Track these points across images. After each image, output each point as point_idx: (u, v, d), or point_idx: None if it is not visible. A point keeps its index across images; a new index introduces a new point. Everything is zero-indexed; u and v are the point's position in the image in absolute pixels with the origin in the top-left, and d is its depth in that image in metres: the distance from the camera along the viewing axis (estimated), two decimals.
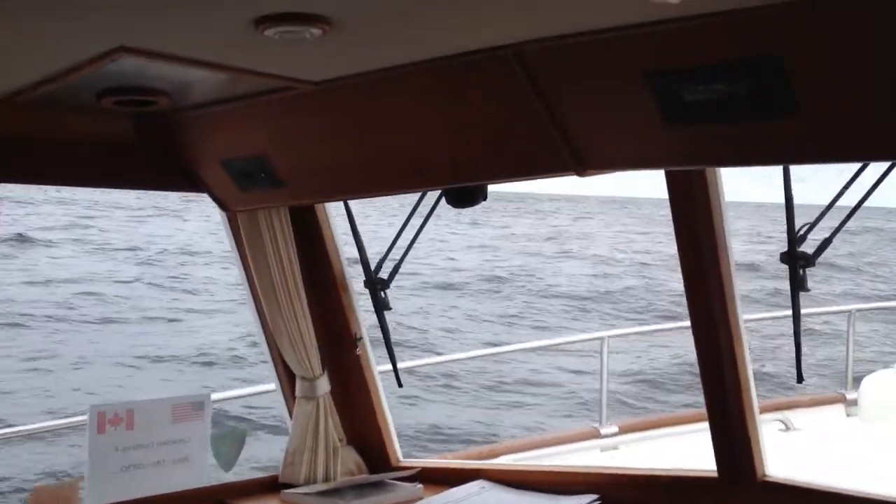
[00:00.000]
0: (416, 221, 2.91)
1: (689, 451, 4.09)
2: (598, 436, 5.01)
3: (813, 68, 1.52)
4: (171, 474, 2.93)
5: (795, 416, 4.23)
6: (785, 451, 3.64)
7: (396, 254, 3.03)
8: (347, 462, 3.13)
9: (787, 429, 4.05)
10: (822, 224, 2.31)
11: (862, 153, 1.67)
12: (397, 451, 3.19)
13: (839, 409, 5.74)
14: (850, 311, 6.22)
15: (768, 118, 1.62)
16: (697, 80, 1.64)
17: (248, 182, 2.58)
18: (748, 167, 1.84)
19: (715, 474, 2.53)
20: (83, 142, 2.53)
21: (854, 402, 5.63)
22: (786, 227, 2.29)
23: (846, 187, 2.24)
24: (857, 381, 5.59)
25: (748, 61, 1.56)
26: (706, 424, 4.70)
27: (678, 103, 1.69)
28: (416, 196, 2.83)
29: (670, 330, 6.43)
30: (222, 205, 2.79)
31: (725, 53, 1.59)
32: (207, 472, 3.03)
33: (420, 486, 2.93)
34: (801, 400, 6.04)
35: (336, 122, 2.27)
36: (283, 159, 2.45)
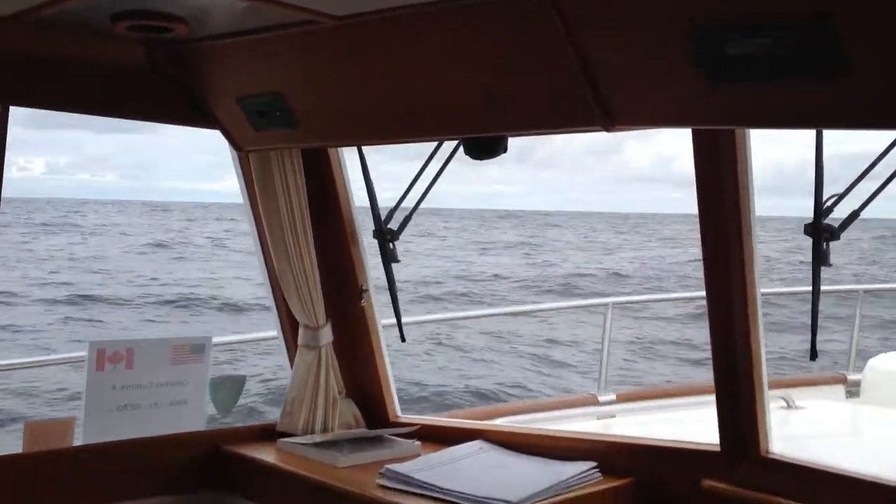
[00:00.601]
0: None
1: (686, 423, 4.09)
2: (595, 403, 5.00)
3: (867, 27, 1.44)
4: (168, 416, 2.91)
5: (797, 395, 4.20)
6: (787, 429, 3.63)
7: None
8: (346, 414, 3.10)
9: (789, 406, 4.02)
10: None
11: None
12: (396, 406, 3.16)
13: (839, 389, 5.72)
14: (858, 292, 6.18)
15: (815, 78, 1.54)
16: (744, 33, 1.55)
17: (262, 121, 2.52)
18: (786, 130, 1.77)
19: (717, 448, 2.49)
20: (93, 67, 2.46)
21: (855, 384, 5.61)
22: (813, 197, 2.21)
23: (880, 158, 2.15)
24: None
25: (799, 15, 1.48)
26: (704, 398, 4.74)
27: (721, 57, 1.60)
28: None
29: (679, 299, 6.38)
30: (235, 143, 2.73)
31: (776, 5, 1.51)
32: (204, 416, 3.01)
33: (418, 443, 2.91)
34: (802, 378, 6.02)
35: (356, 62, 2.20)
36: (299, 98, 2.39)
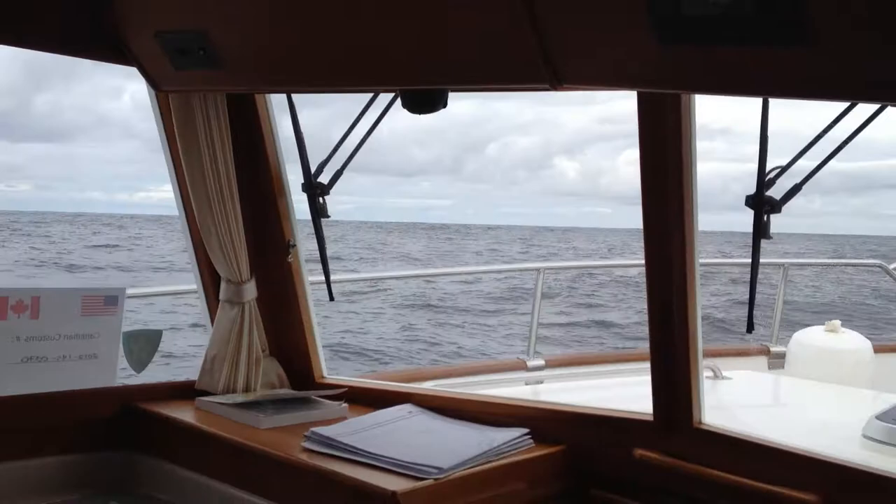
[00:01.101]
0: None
1: (614, 390, 4.10)
2: (524, 368, 4.97)
3: None
4: (78, 371, 2.75)
5: (721, 365, 4.22)
6: (715, 399, 3.64)
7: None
8: (269, 373, 2.97)
9: (716, 377, 4.03)
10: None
11: (875, 93, 1.53)
12: (323, 366, 3.05)
13: (762, 361, 5.82)
14: (783, 265, 6.26)
15: (774, 45, 1.48)
16: None
17: (184, 59, 2.35)
18: (738, 97, 1.70)
19: (650, 417, 2.46)
20: None
21: (779, 356, 5.71)
22: (757, 167, 2.17)
23: (827, 130, 2.11)
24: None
25: None
26: (632, 365, 4.76)
27: (675, 17, 1.53)
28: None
29: (611, 266, 6.37)
30: (153, 82, 2.56)
31: None
32: (116, 372, 2.86)
33: (345, 405, 2.80)
34: (726, 349, 6.11)
35: (288, 2, 2.06)
36: (225, 37, 2.23)
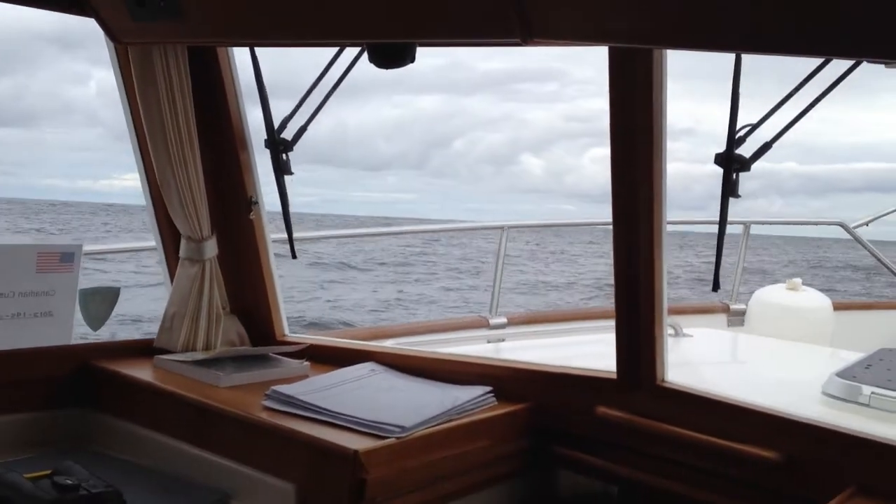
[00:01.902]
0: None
1: (575, 348, 4.10)
2: (487, 325, 4.97)
3: None
4: (33, 328, 2.69)
5: (682, 322, 4.25)
6: (676, 356, 3.66)
7: None
8: (229, 332, 2.93)
9: (677, 334, 4.06)
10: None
11: (849, 49, 1.51)
12: (284, 324, 3.02)
13: (722, 318, 5.88)
14: (744, 224, 6.31)
15: None
16: None
17: (143, 11, 2.27)
18: (708, 52, 1.67)
19: (613, 375, 2.47)
20: None
21: (738, 313, 5.77)
22: (728, 124, 2.15)
23: (798, 88, 2.09)
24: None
25: None
26: (595, 323, 4.78)
27: None
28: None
29: (575, 225, 6.37)
30: (112, 34, 2.47)
31: None
32: (72, 329, 2.80)
33: (307, 363, 2.77)
34: (686, 306, 6.17)
35: None
36: None
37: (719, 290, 2.44)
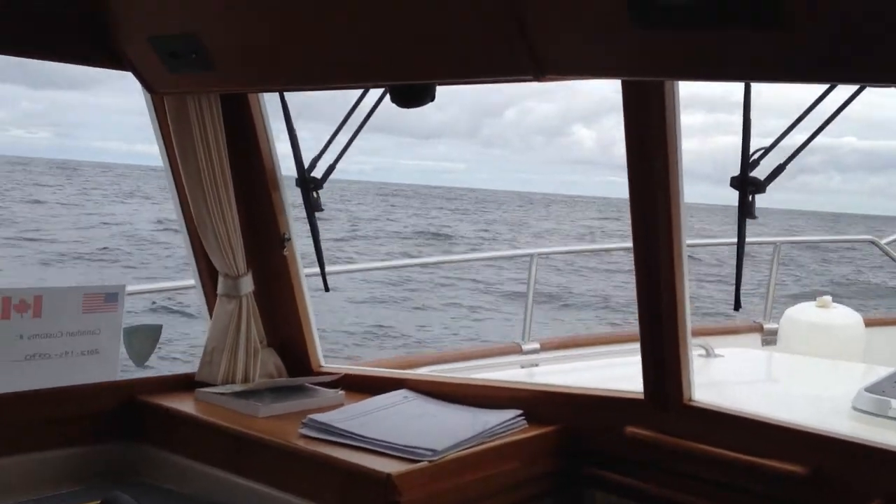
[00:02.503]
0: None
1: (609, 371, 4.14)
2: (519, 351, 5.03)
3: None
4: (80, 366, 2.80)
5: (715, 343, 4.27)
6: (707, 376, 3.69)
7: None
8: (267, 364, 3.03)
9: (709, 355, 4.08)
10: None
11: (851, 75, 1.57)
12: (319, 355, 3.11)
13: (756, 338, 5.88)
14: (775, 243, 6.31)
15: (750, 29, 1.51)
16: None
17: (177, 63, 2.39)
18: (718, 82, 1.74)
19: (641, 396, 2.51)
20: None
21: (771, 333, 5.77)
22: (741, 148, 2.21)
23: (808, 111, 2.15)
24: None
25: None
26: (625, 346, 4.81)
27: (654, 5, 1.57)
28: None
29: (603, 250, 6.41)
30: (148, 86, 2.60)
31: None
32: (118, 366, 2.91)
33: (342, 392, 2.86)
34: (720, 327, 6.17)
35: (276, 1, 2.10)
36: (216, 40, 2.27)
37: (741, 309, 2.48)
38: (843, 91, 2.01)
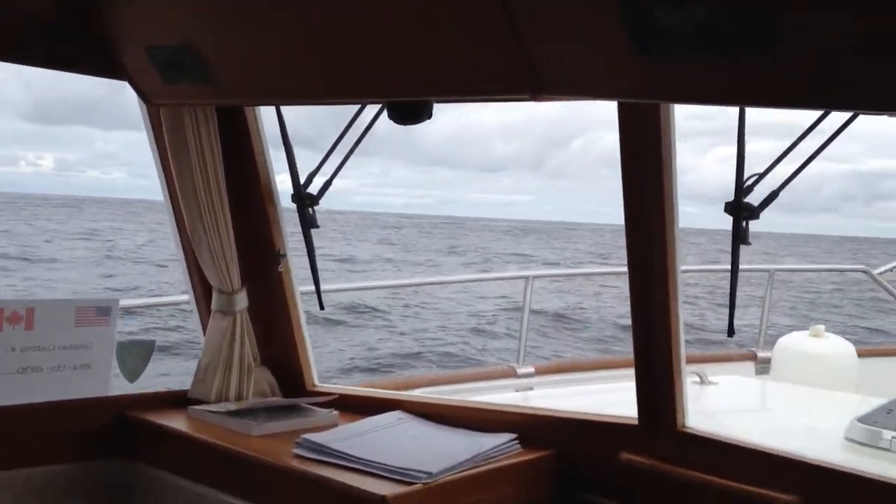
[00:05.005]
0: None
1: (603, 396, 4.13)
2: (514, 375, 5.01)
3: (801, 3, 1.43)
4: (72, 381, 2.77)
5: (709, 371, 4.27)
6: (701, 404, 3.68)
7: None
8: (261, 382, 3.01)
9: (703, 382, 4.08)
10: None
11: (845, 102, 1.58)
12: (314, 375, 3.09)
13: (749, 366, 5.87)
14: (769, 271, 6.32)
15: (746, 54, 1.52)
16: (675, 3, 1.52)
17: (173, 74, 2.39)
18: (713, 106, 1.75)
19: (635, 422, 2.50)
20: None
21: (765, 361, 5.76)
22: (735, 174, 2.21)
23: (801, 138, 2.16)
24: None
25: None
26: (619, 372, 4.80)
27: (651, 28, 1.58)
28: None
29: (598, 274, 6.42)
30: (144, 97, 2.60)
31: None
32: (110, 381, 2.89)
33: (336, 412, 2.84)
34: (714, 355, 6.16)
35: (274, 14, 2.10)
36: (214, 51, 2.27)
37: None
38: (839, 117, 2.02)
